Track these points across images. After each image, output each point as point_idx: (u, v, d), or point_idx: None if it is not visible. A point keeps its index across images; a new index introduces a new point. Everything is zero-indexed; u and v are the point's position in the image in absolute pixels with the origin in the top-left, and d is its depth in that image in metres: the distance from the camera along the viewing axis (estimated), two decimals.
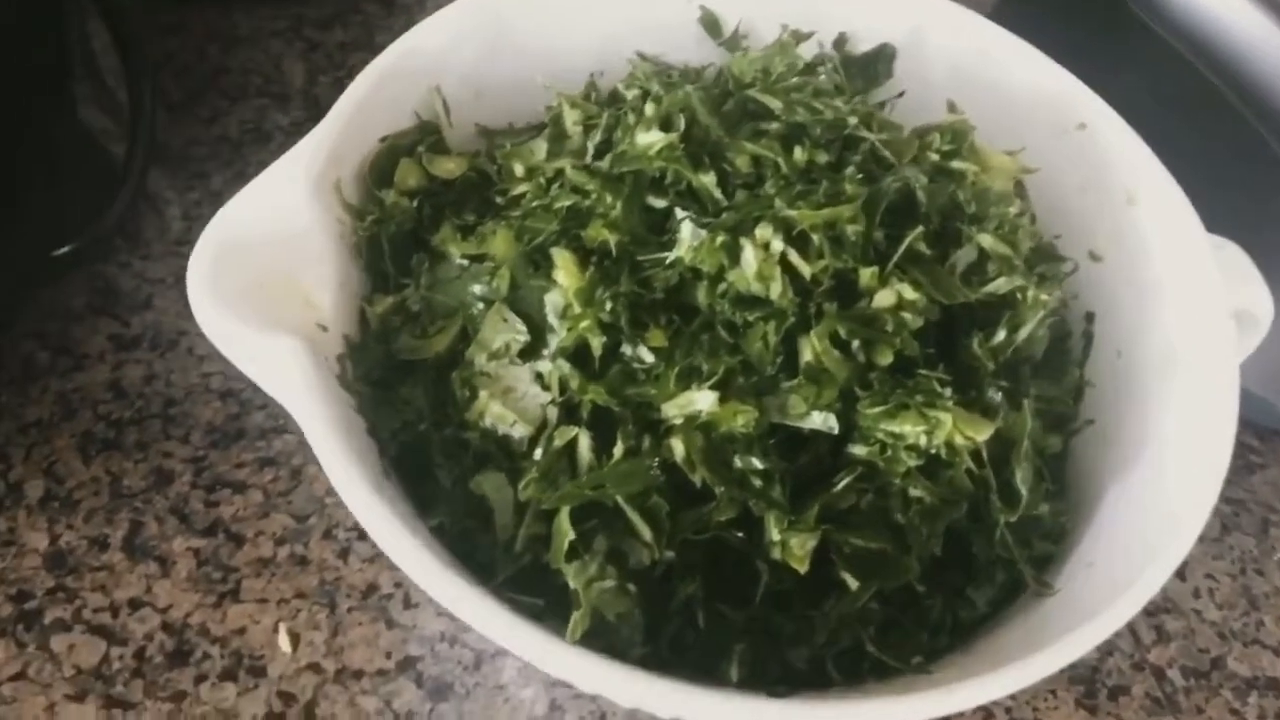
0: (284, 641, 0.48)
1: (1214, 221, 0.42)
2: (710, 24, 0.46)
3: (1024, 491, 0.34)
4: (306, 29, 0.71)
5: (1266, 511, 0.58)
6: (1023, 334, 0.35)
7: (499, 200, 0.39)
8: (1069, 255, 0.43)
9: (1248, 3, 0.51)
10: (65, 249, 0.57)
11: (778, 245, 0.32)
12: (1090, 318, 0.42)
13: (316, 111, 0.66)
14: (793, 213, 0.32)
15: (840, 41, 0.46)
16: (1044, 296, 0.35)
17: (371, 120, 0.40)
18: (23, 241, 0.54)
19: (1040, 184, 0.44)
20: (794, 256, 0.32)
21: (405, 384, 0.36)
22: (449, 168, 0.40)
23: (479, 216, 0.39)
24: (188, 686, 0.47)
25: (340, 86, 0.41)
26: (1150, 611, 0.54)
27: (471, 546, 0.33)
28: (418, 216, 0.39)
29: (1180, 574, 0.56)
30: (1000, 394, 0.35)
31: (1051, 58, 0.45)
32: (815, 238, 0.32)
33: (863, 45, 0.47)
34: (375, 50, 0.42)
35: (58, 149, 0.57)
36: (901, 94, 0.47)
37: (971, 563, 0.36)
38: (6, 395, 0.54)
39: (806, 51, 0.43)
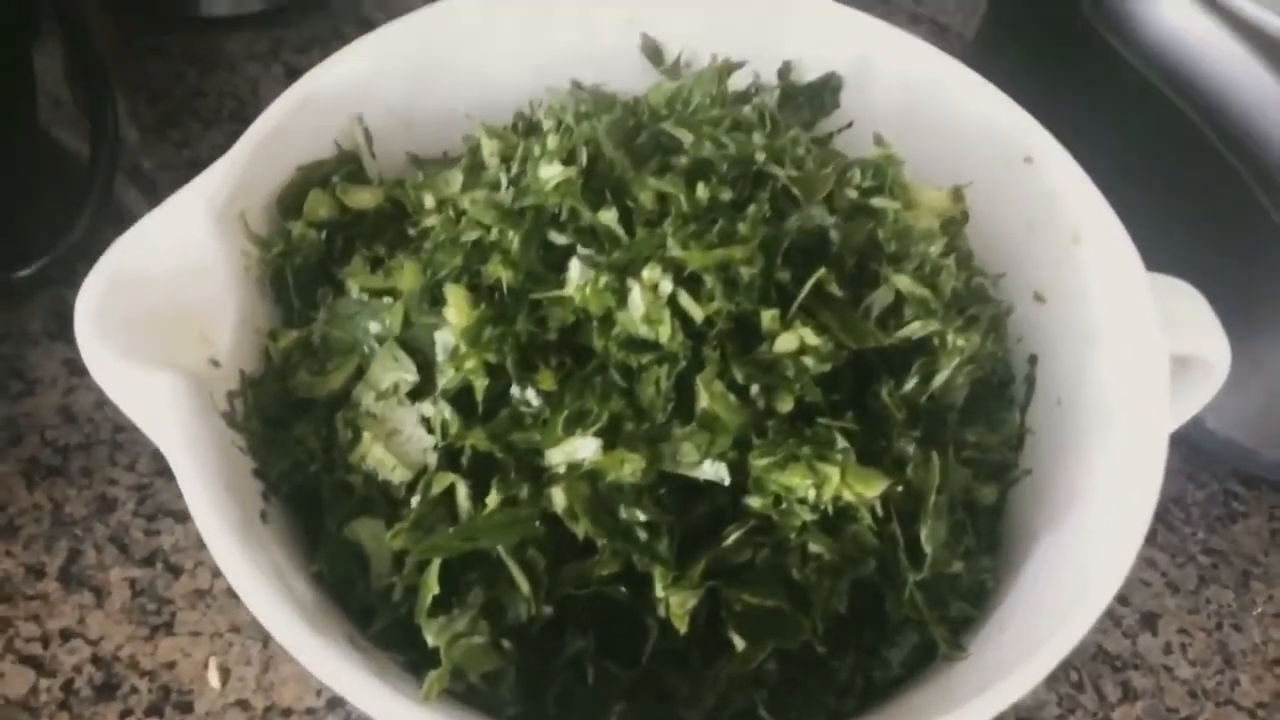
0: (213, 677, 0.47)
1: (1184, 260, 0.40)
2: (652, 52, 0.45)
3: (929, 549, 0.32)
4: (285, 53, 0.71)
5: (1248, 564, 0.55)
6: (937, 381, 0.34)
7: (411, 233, 0.38)
8: (1013, 296, 0.42)
9: (1224, 33, 0.49)
10: (26, 271, 0.58)
11: (666, 286, 0.31)
12: (1033, 361, 0.40)
13: None
14: (682, 253, 0.30)
15: (785, 71, 0.45)
16: (961, 342, 0.34)
17: (287, 149, 0.39)
18: None
19: (986, 221, 0.42)
20: (684, 299, 0.31)
21: (299, 423, 0.35)
22: (364, 199, 0.39)
23: (392, 250, 0.38)
24: None
25: None
26: (1117, 667, 0.52)
27: (349, 594, 0.32)
28: (327, 249, 0.38)
29: (1151, 628, 0.53)
30: (914, 445, 0.33)
31: (1025, 90, 0.43)
32: (708, 279, 0.31)
33: (809, 75, 0.45)
34: None
35: (19, 169, 0.57)
36: (850, 124, 0.46)
37: (885, 622, 0.34)
38: None
39: (741, 81, 0.42)
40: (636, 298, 0.31)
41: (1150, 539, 0.56)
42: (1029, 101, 0.43)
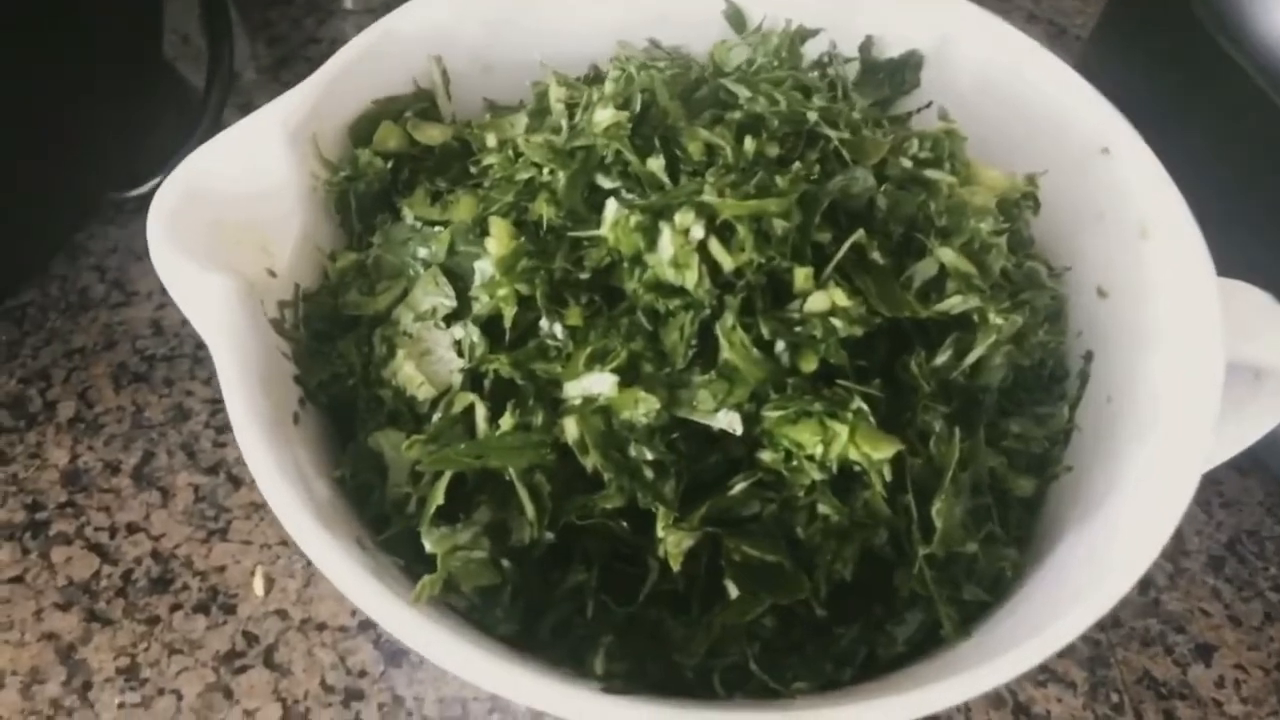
0: (258, 585, 0.50)
1: (1271, 270, 0.38)
2: (735, 18, 0.45)
3: (939, 524, 0.31)
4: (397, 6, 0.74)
5: None
6: (971, 357, 0.33)
7: (473, 170, 0.39)
8: (1077, 289, 0.40)
9: None
10: (137, 190, 0.61)
11: (697, 232, 0.31)
12: (1089, 358, 0.39)
13: None
14: (716, 200, 0.31)
15: (866, 45, 0.44)
16: (1000, 321, 0.33)
17: (366, 82, 0.41)
18: (91, 176, 0.58)
19: (1055, 210, 0.41)
20: (715, 246, 0.31)
21: (344, 338, 0.36)
22: (432, 135, 0.40)
23: (453, 185, 0.39)
24: (163, 613, 0.49)
25: None
26: (1162, 694, 0.50)
27: (367, 501, 0.33)
28: (393, 179, 0.40)
29: (1206, 659, 0.51)
30: (940, 420, 0.33)
31: (1135, 90, 0.42)
32: (740, 229, 0.31)
33: (890, 51, 0.45)
34: None
35: (141, 98, 0.61)
36: (929, 104, 0.45)
37: (894, 596, 0.34)
38: (60, 321, 0.57)
39: (815, 50, 0.42)
40: (666, 241, 0.31)
41: (1217, 569, 0.54)
42: (1138, 101, 0.41)
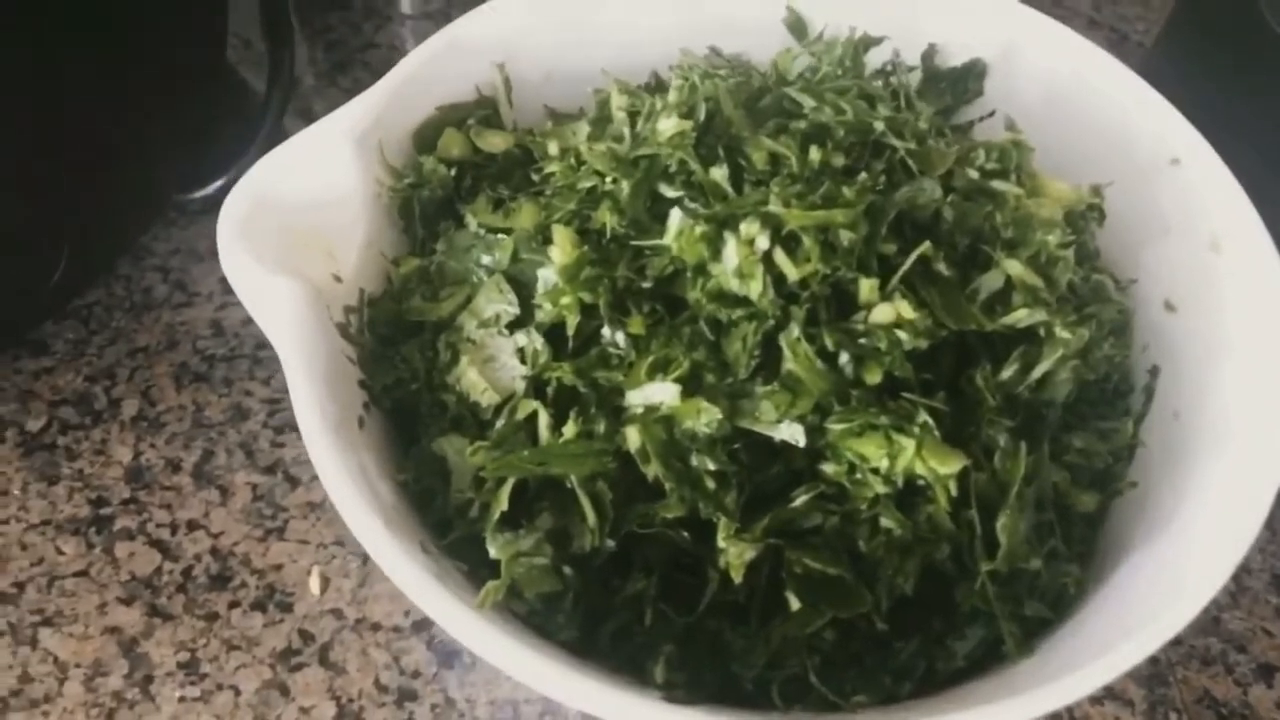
0: (314, 583, 0.50)
1: None
2: (796, 26, 0.45)
3: (1004, 540, 0.31)
4: (456, 13, 0.74)
5: None
6: (1037, 372, 0.33)
7: (535, 178, 0.39)
8: (1143, 303, 0.40)
9: None
10: (200, 193, 0.62)
11: (763, 243, 0.31)
12: (1154, 372, 0.39)
13: None
14: (783, 210, 0.30)
15: (929, 54, 0.44)
16: (1068, 335, 0.32)
17: (429, 89, 0.41)
18: (158, 179, 0.59)
19: (1122, 222, 0.40)
20: (779, 256, 0.31)
21: (408, 343, 0.37)
22: (495, 142, 0.40)
23: (515, 192, 0.39)
24: (221, 609, 0.50)
25: None
26: (1223, 714, 0.49)
27: (430, 505, 0.34)
28: (456, 186, 0.40)
29: (1268, 680, 0.50)
30: (1005, 435, 0.32)
31: (1202, 96, 0.41)
32: (806, 240, 0.31)
33: (953, 60, 0.44)
34: None
35: (205, 102, 0.62)
36: (992, 113, 0.44)
37: (955, 611, 0.33)
38: (125, 320, 0.59)
39: (878, 59, 0.42)
40: (731, 250, 0.31)
41: None
42: (1205, 109, 0.41)
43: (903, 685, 0.33)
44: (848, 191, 0.31)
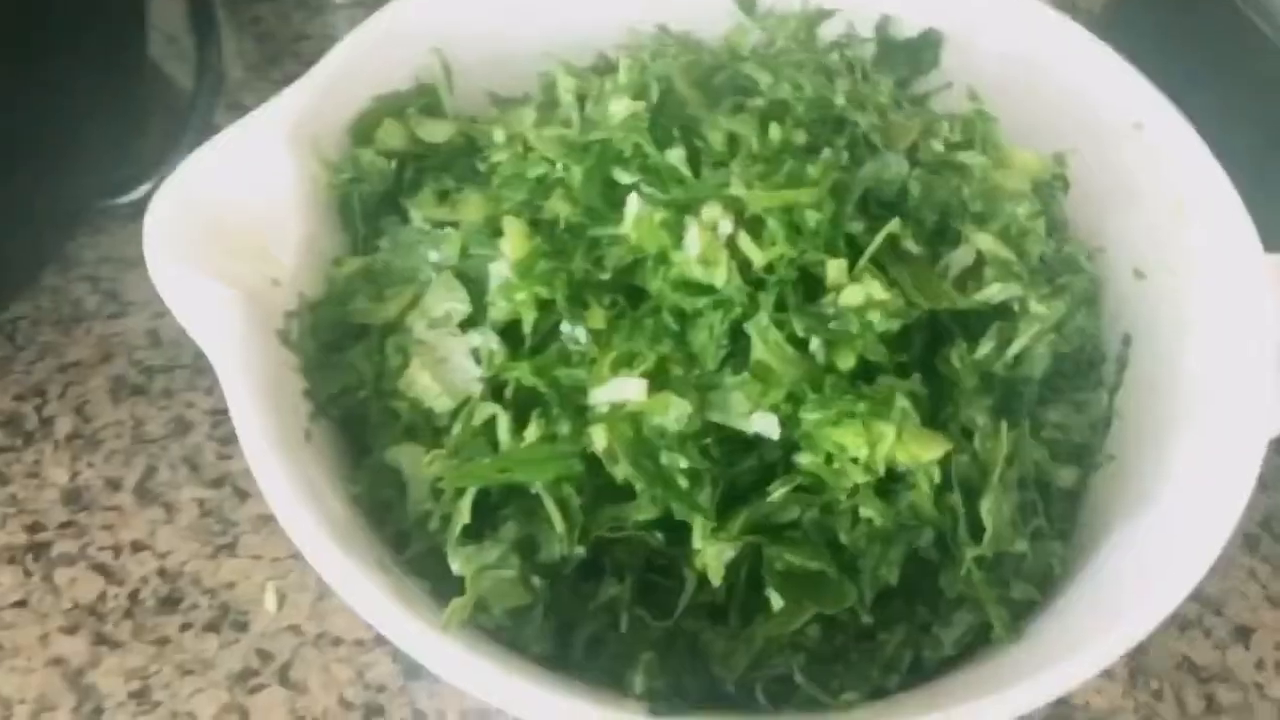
0: (270, 600, 0.48)
1: None
2: (744, 1, 0.43)
3: (989, 524, 0.30)
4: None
5: None
6: (1014, 348, 0.32)
7: (481, 168, 0.37)
8: (1112, 271, 0.39)
9: None
10: (127, 197, 0.60)
11: (726, 227, 0.29)
12: (1127, 341, 0.38)
13: None
14: (745, 193, 0.29)
15: (882, 25, 0.43)
16: (1043, 309, 0.31)
17: (365, 78, 0.39)
18: (80, 183, 0.56)
19: (1087, 190, 0.39)
20: (744, 241, 0.29)
21: (353, 349, 0.35)
22: (436, 131, 0.38)
23: (460, 183, 0.37)
24: (173, 633, 0.47)
25: None
26: (1202, 679, 0.48)
27: (386, 519, 0.32)
28: (397, 179, 0.38)
29: (1245, 641, 0.50)
30: (984, 415, 0.31)
31: (1152, 66, 0.40)
32: (771, 222, 0.29)
33: (907, 31, 0.43)
34: None
35: (128, 101, 0.59)
36: (948, 85, 0.43)
37: (939, 599, 0.32)
38: (54, 334, 0.56)
39: (832, 31, 0.40)
40: (694, 236, 0.29)
41: (1253, 548, 0.53)
42: (1153, 76, 0.40)
43: (890, 678, 0.32)
44: (812, 170, 0.30)
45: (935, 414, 0.31)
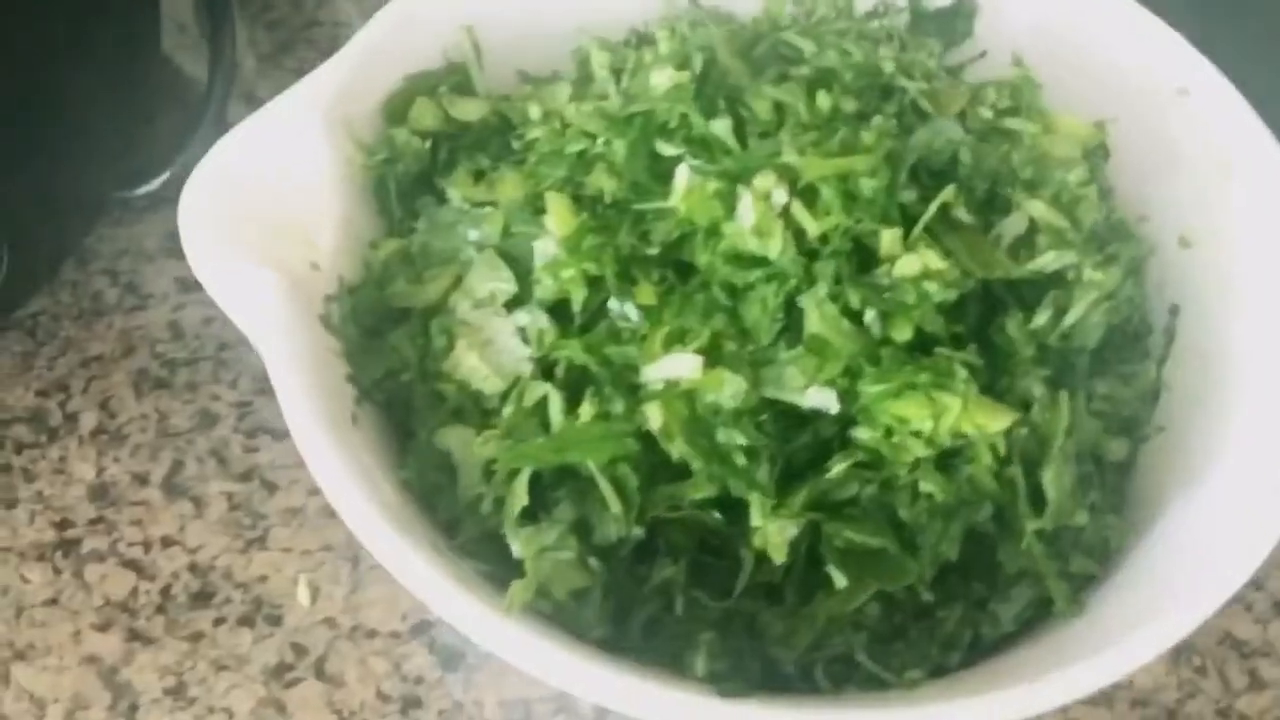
0: (303, 593, 0.48)
1: None
2: None
3: (1051, 495, 0.30)
4: None
5: None
6: (1070, 318, 0.31)
7: (516, 146, 0.37)
8: (1157, 240, 0.38)
9: None
10: (143, 189, 0.59)
11: (780, 197, 0.29)
12: (1174, 311, 0.37)
13: None
14: (799, 160, 0.28)
15: None
16: (1099, 277, 0.31)
17: (395, 58, 0.38)
18: (97, 176, 0.55)
19: (1128, 157, 0.39)
20: (799, 210, 0.29)
21: (395, 332, 0.34)
22: (469, 110, 0.38)
23: (495, 162, 0.37)
24: (206, 628, 0.47)
25: None
26: (1245, 654, 0.48)
27: (437, 503, 0.31)
28: (432, 158, 0.37)
29: None
30: (1040, 385, 0.31)
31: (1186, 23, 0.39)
32: (825, 191, 0.29)
33: (941, 1, 0.42)
34: None
35: (141, 92, 0.58)
36: (982, 54, 0.43)
37: (998, 574, 0.32)
38: (74, 329, 0.55)
39: (867, 2, 0.40)
40: (747, 207, 0.29)
41: None
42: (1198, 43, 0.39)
43: (950, 655, 0.31)
44: (866, 137, 0.29)
45: (992, 385, 0.31)
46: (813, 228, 0.29)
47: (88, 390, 0.53)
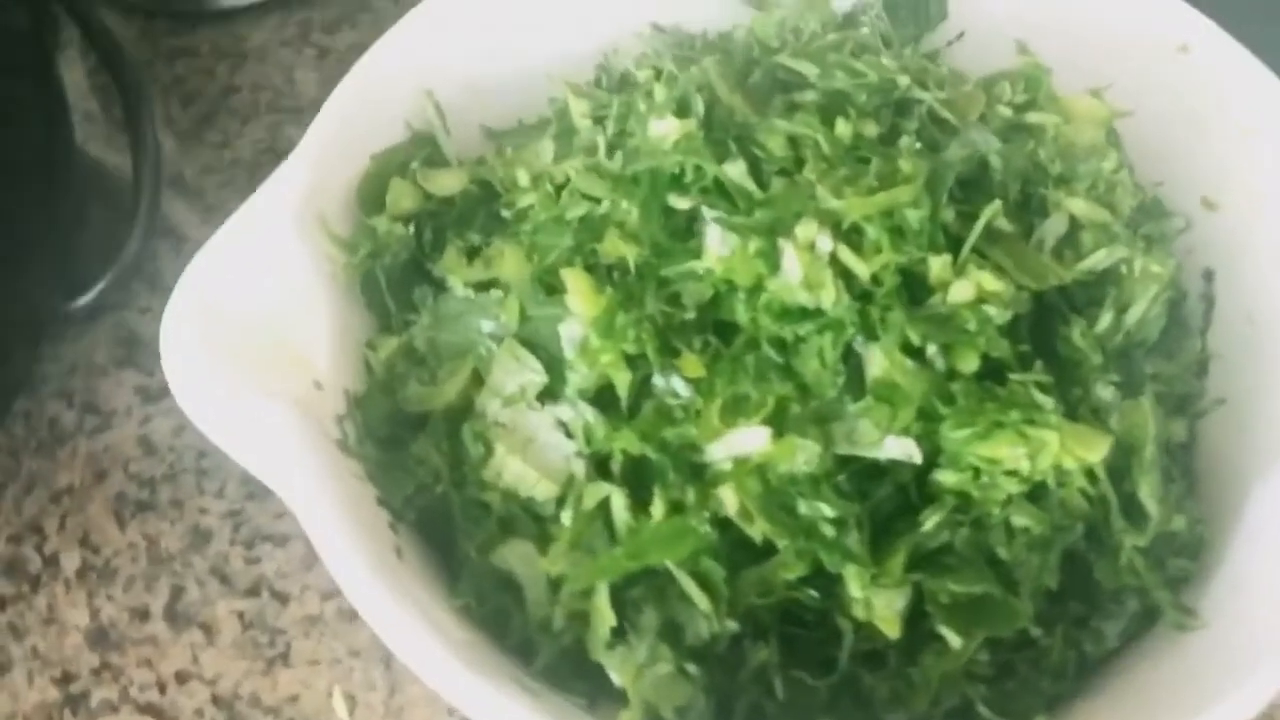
0: (339, 706, 0.45)
1: None
2: None
3: (1153, 509, 0.28)
4: (314, 34, 0.67)
5: None
6: (1133, 315, 0.30)
7: (506, 215, 0.34)
8: (1177, 206, 0.37)
9: None
10: (83, 299, 0.55)
11: (825, 244, 0.27)
12: (1209, 277, 0.36)
13: None
14: (840, 203, 0.26)
15: None
16: (1157, 268, 0.29)
17: (356, 139, 0.35)
18: (34, 294, 0.51)
19: (1135, 123, 0.37)
20: (846, 255, 0.27)
21: (417, 441, 0.31)
22: (447, 182, 0.35)
23: (486, 235, 0.34)
24: None
25: None
26: None
27: (505, 627, 0.29)
28: (417, 242, 0.35)
29: None
30: (1111, 390, 0.29)
31: None
32: (870, 229, 0.27)
33: None
34: None
35: (62, 192, 0.54)
36: (960, 35, 0.41)
37: (1094, 590, 0.30)
38: (36, 461, 0.51)
39: (844, 2, 0.38)
40: (792, 261, 0.27)
41: None
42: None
43: (1061, 685, 0.30)
44: (905, 165, 0.27)
45: (1064, 399, 0.29)
46: (863, 270, 0.27)
47: (64, 527, 0.49)
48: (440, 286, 0.34)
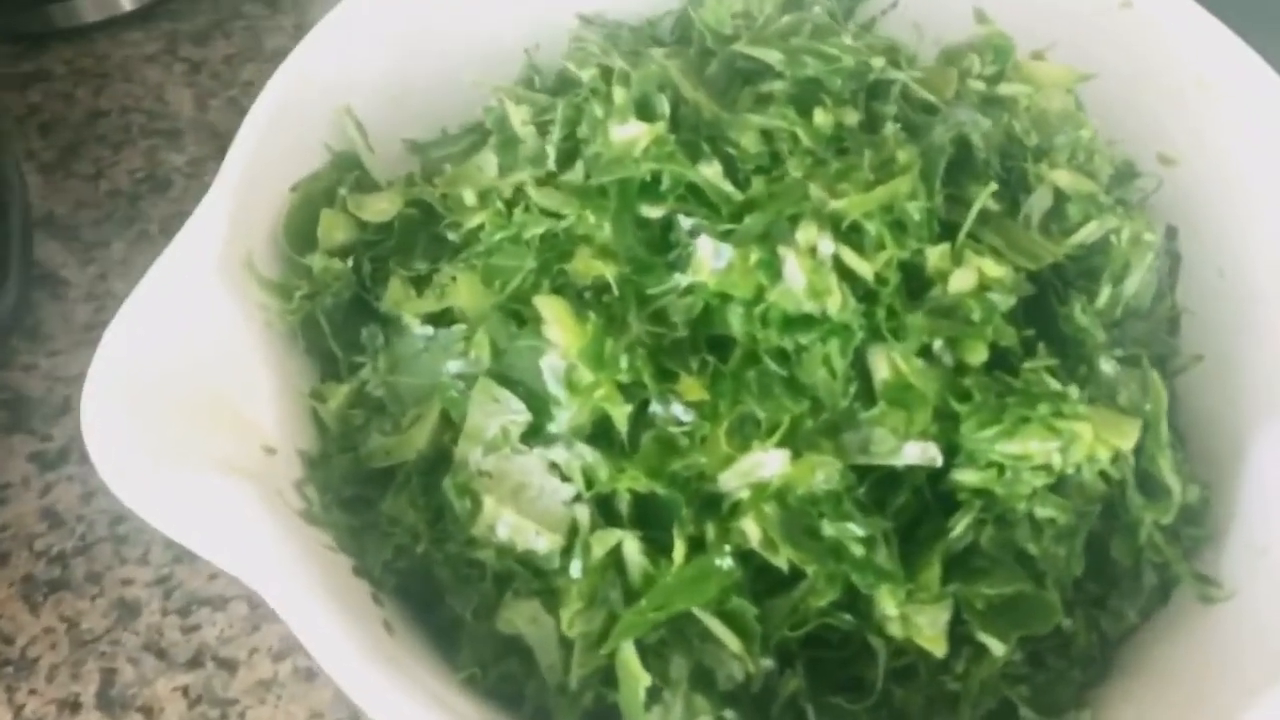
0: None
1: None
2: None
3: (1174, 485, 0.27)
4: (183, 47, 0.62)
5: None
6: (1130, 286, 0.29)
7: (452, 237, 0.31)
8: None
9: None
10: None
11: (827, 247, 0.25)
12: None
13: (216, 141, 0.57)
14: (841, 202, 0.24)
15: None
16: (1148, 235, 0.28)
17: (275, 169, 0.32)
18: None
19: (1085, 83, 0.36)
20: (850, 257, 0.25)
21: (386, 499, 0.28)
22: (381, 208, 0.32)
23: (432, 261, 0.31)
24: None
25: (236, 107, 0.33)
26: None
27: (517, 694, 0.26)
28: (357, 277, 0.31)
29: None
30: (1113, 364, 0.28)
31: None
32: (870, 226, 0.25)
33: None
34: (268, 58, 0.34)
35: None
36: (894, 3, 0.39)
37: (1110, 568, 0.30)
38: None
39: None
40: (794, 269, 0.25)
41: None
42: None
43: (1090, 671, 0.29)
44: (902, 154, 0.25)
45: (1070, 378, 0.28)
46: (866, 270, 0.25)
47: None
48: (390, 323, 0.30)
